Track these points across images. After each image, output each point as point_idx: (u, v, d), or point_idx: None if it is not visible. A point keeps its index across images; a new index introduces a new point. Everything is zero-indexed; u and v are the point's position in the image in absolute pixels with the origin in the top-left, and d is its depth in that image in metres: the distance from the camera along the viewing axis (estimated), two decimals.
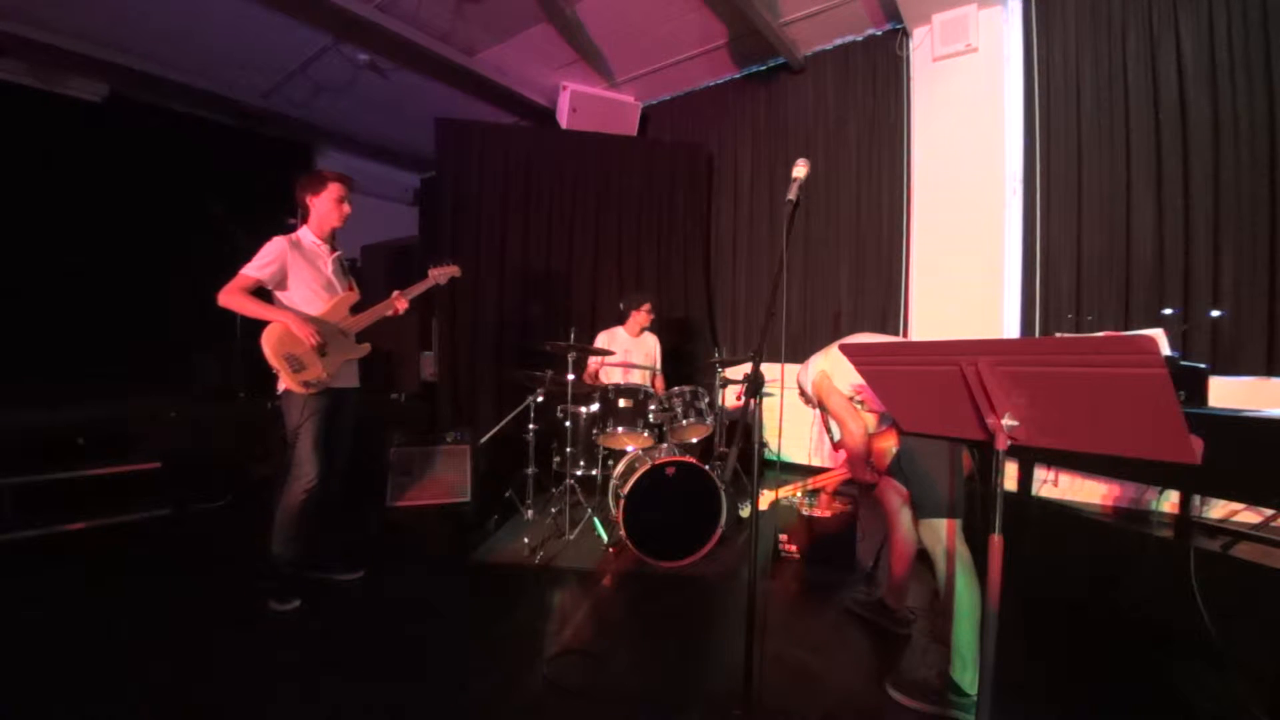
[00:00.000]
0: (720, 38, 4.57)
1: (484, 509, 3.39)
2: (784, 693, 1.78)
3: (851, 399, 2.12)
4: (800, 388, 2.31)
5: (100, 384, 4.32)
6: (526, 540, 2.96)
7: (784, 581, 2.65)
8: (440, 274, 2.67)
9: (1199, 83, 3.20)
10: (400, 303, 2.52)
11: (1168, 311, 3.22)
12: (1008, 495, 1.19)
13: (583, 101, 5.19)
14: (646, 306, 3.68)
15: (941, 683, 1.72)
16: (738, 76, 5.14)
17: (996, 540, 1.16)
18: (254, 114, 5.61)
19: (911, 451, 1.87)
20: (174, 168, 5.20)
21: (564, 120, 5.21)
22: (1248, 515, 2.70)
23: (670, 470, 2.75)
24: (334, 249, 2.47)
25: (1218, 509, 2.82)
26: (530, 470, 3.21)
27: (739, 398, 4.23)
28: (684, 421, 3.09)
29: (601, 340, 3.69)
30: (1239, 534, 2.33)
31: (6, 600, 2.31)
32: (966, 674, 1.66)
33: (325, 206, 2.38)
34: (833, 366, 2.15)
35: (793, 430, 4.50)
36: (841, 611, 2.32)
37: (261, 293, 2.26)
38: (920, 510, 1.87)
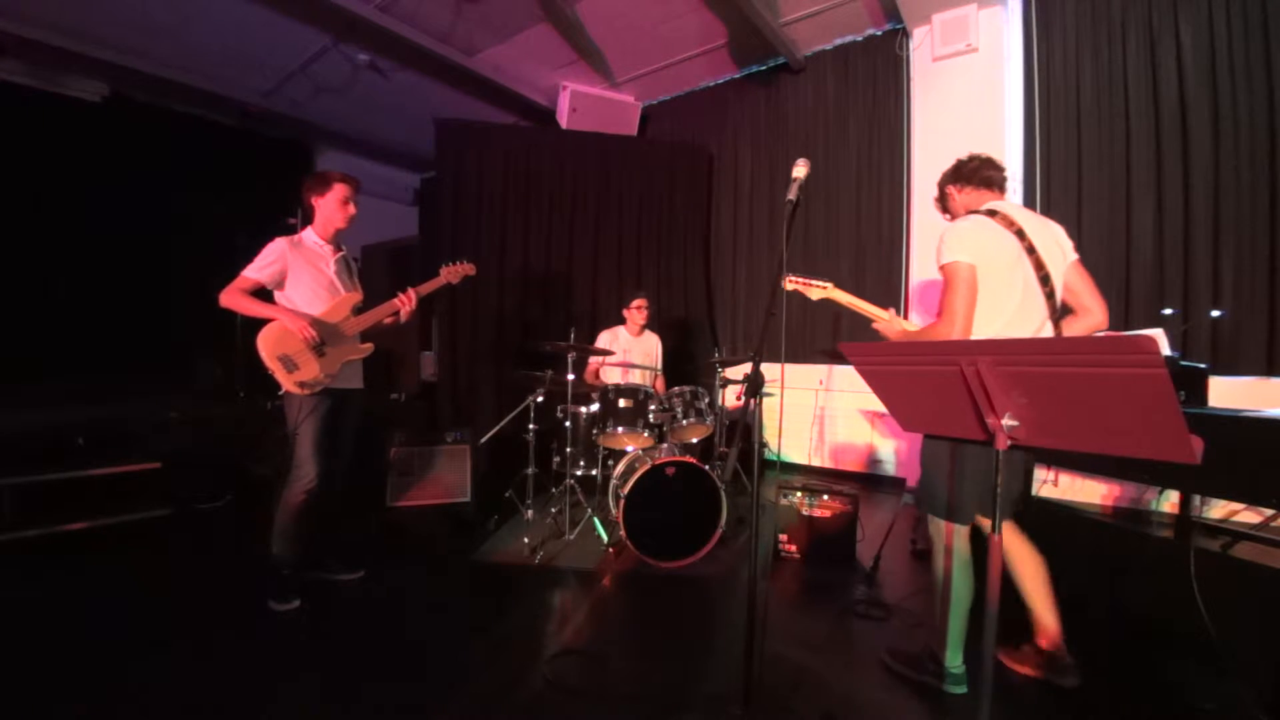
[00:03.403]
0: (720, 38, 4.57)
1: (484, 509, 3.39)
2: (784, 693, 1.77)
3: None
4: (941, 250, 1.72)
5: (100, 384, 4.32)
6: (526, 540, 2.96)
7: (784, 581, 2.65)
8: (452, 272, 2.64)
9: (1199, 83, 3.20)
10: (405, 299, 2.47)
11: (1168, 311, 3.21)
12: None
13: (583, 101, 5.19)
14: (638, 303, 3.67)
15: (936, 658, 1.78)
16: (738, 76, 5.14)
17: (996, 540, 1.16)
18: (254, 114, 5.60)
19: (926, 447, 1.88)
20: (174, 168, 5.19)
21: (564, 120, 5.21)
22: (1248, 515, 2.70)
23: (670, 470, 2.75)
24: (338, 249, 2.46)
25: (1218, 509, 2.82)
26: (530, 470, 3.20)
27: (739, 398, 4.23)
28: (684, 421, 3.09)
29: (604, 339, 3.69)
30: (1239, 534, 2.32)
31: (6, 600, 2.31)
32: (956, 657, 1.74)
33: (330, 207, 2.37)
34: (979, 258, 1.62)
35: (793, 430, 4.50)
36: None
37: (263, 294, 2.27)
38: (920, 504, 1.89)
